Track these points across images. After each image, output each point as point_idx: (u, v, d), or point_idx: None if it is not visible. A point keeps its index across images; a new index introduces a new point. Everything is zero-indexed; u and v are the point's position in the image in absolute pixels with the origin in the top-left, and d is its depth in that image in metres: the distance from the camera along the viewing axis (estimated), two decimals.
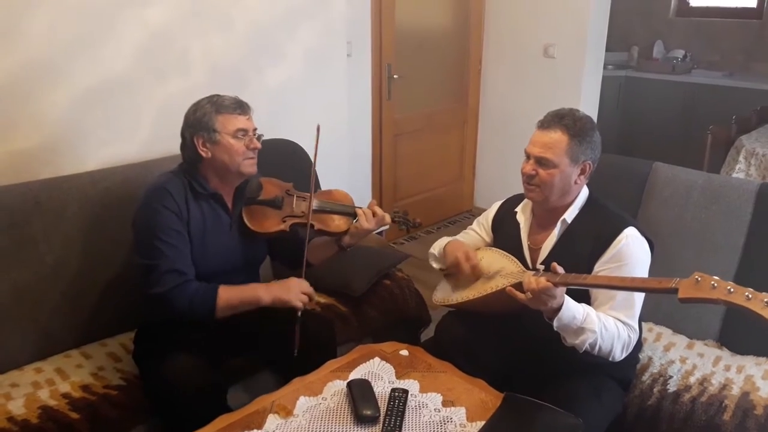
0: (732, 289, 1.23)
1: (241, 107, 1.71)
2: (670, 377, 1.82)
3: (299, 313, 1.70)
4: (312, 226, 1.80)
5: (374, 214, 1.84)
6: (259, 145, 1.73)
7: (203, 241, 1.73)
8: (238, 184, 1.80)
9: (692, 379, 1.81)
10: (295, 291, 1.70)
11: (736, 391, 1.74)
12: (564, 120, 1.65)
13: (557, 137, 1.64)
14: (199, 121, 1.68)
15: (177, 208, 1.68)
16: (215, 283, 1.69)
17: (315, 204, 1.82)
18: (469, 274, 1.80)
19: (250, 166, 1.72)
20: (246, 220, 1.78)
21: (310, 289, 1.73)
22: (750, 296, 1.21)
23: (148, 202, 1.68)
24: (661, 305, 2.04)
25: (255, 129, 1.74)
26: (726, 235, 2.03)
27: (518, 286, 1.54)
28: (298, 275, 1.76)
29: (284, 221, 1.80)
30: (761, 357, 1.90)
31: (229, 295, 1.67)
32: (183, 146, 1.74)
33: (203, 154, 1.69)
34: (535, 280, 1.46)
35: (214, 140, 1.67)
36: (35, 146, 2.05)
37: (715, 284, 1.25)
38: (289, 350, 1.67)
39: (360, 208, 1.85)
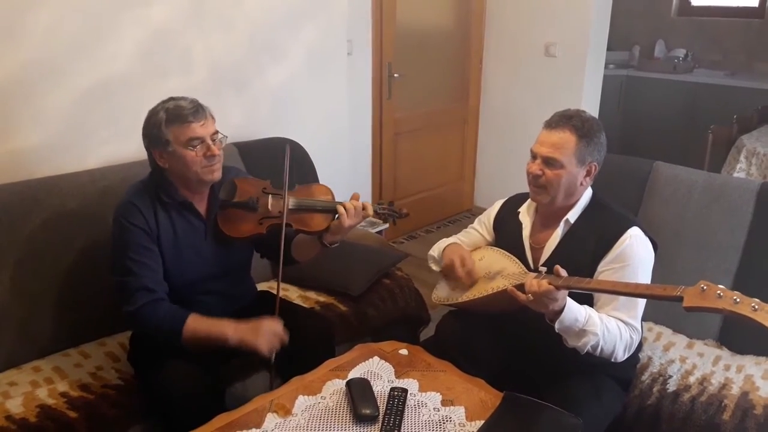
0: (738, 299, 1.21)
1: (195, 113, 1.61)
2: (670, 377, 1.81)
3: (272, 359, 1.61)
4: (289, 225, 1.74)
5: (355, 209, 1.73)
6: (216, 152, 1.63)
7: (176, 252, 1.70)
8: (212, 187, 1.75)
9: (692, 379, 1.80)
10: (264, 336, 1.60)
11: (735, 390, 1.74)
12: (572, 120, 1.64)
13: (566, 137, 1.63)
14: (151, 133, 1.63)
15: (145, 222, 1.64)
16: (199, 289, 1.66)
17: (292, 203, 1.75)
18: (464, 279, 1.79)
19: (209, 174, 1.65)
20: (220, 225, 1.74)
21: (282, 334, 1.62)
22: (756, 307, 1.19)
23: (117, 217, 1.66)
24: (662, 304, 2.00)
25: (215, 133, 1.65)
26: (727, 234, 2.03)
27: (520, 286, 1.53)
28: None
29: (261, 223, 1.74)
30: (761, 357, 1.90)
31: (196, 325, 1.61)
32: (147, 155, 1.70)
33: (162, 164, 1.66)
34: (536, 283, 1.45)
35: (169, 152, 1.62)
36: (35, 145, 2.05)
37: (721, 293, 1.23)
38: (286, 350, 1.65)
39: (341, 203, 1.74)
